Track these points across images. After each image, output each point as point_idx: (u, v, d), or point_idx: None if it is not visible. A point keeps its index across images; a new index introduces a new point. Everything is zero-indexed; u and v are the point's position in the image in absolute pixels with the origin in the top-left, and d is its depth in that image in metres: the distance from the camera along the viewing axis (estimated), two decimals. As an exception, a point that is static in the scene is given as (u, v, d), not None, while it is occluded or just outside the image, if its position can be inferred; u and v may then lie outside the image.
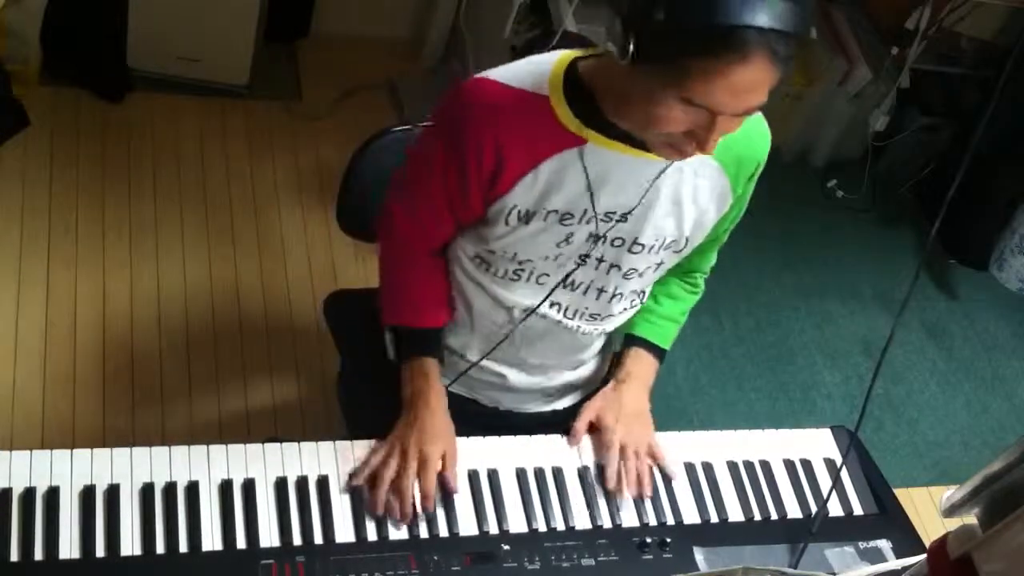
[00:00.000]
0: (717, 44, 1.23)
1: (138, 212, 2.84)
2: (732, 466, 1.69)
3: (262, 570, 1.39)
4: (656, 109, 1.32)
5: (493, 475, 1.58)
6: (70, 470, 1.42)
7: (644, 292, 1.71)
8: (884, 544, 1.64)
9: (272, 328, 2.70)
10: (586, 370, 1.82)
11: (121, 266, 2.72)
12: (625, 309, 1.69)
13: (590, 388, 1.82)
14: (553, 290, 1.61)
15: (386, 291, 1.69)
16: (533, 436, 1.65)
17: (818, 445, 1.77)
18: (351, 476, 1.52)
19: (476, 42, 3.24)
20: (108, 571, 1.36)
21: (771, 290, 3.30)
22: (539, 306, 1.62)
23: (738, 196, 1.61)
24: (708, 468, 1.68)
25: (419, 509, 1.51)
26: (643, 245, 1.57)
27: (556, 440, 1.65)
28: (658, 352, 1.75)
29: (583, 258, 1.57)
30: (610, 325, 1.70)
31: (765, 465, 1.71)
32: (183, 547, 1.39)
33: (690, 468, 1.67)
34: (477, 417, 1.78)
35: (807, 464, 1.73)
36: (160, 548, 1.39)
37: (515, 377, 1.75)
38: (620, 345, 1.77)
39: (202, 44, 3.05)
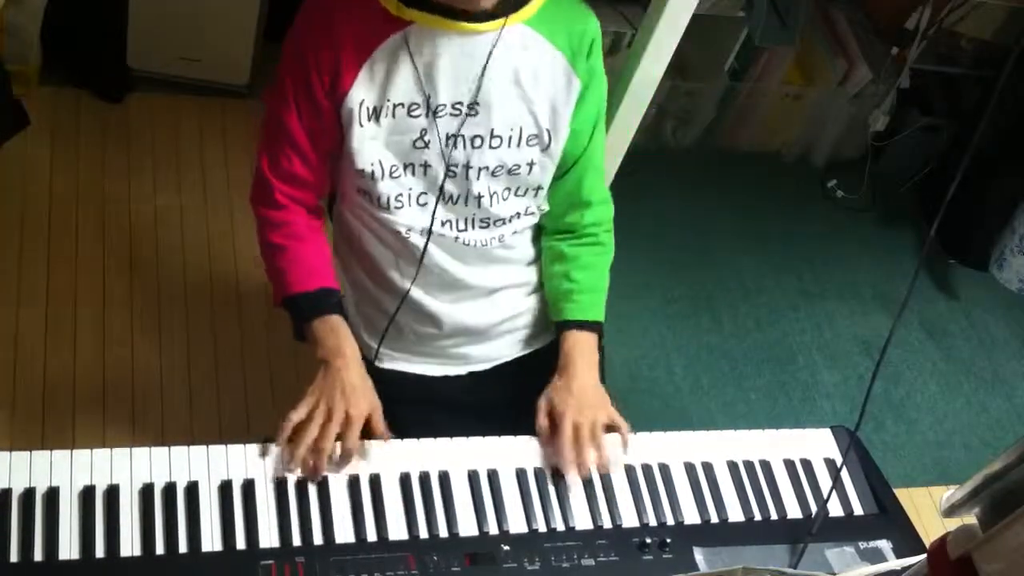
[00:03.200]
0: None
1: (138, 212, 2.85)
2: (732, 466, 1.69)
3: (262, 570, 1.39)
4: None
5: (493, 475, 1.58)
6: (70, 470, 1.42)
7: (539, 206, 1.71)
8: (884, 544, 1.64)
9: (272, 327, 2.70)
10: (536, 299, 1.81)
11: (121, 265, 2.72)
12: (518, 213, 1.69)
13: (542, 339, 1.84)
14: (436, 205, 1.63)
15: (275, 266, 1.68)
16: (533, 436, 1.65)
17: (818, 445, 1.77)
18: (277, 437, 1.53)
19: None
20: (108, 572, 1.36)
21: (771, 290, 3.30)
22: (431, 228, 1.64)
23: (585, 82, 1.63)
24: (708, 468, 1.68)
25: (335, 468, 1.52)
26: (500, 137, 1.59)
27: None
28: (591, 326, 1.73)
29: (450, 171, 1.60)
30: (507, 230, 1.70)
31: (765, 465, 1.71)
32: (183, 547, 1.39)
33: (690, 468, 1.67)
34: (454, 395, 1.80)
35: (807, 464, 1.73)
36: (160, 549, 1.39)
37: (457, 311, 1.74)
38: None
39: (202, 44, 3.06)
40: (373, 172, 1.59)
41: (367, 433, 1.58)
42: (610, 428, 1.66)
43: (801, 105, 3.58)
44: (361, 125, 1.56)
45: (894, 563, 1.53)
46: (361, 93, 1.54)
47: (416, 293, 1.72)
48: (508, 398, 1.80)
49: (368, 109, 1.55)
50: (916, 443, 3.03)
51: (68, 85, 3.05)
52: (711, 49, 3.35)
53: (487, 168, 1.62)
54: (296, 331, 1.68)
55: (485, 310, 1.78)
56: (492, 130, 1.59)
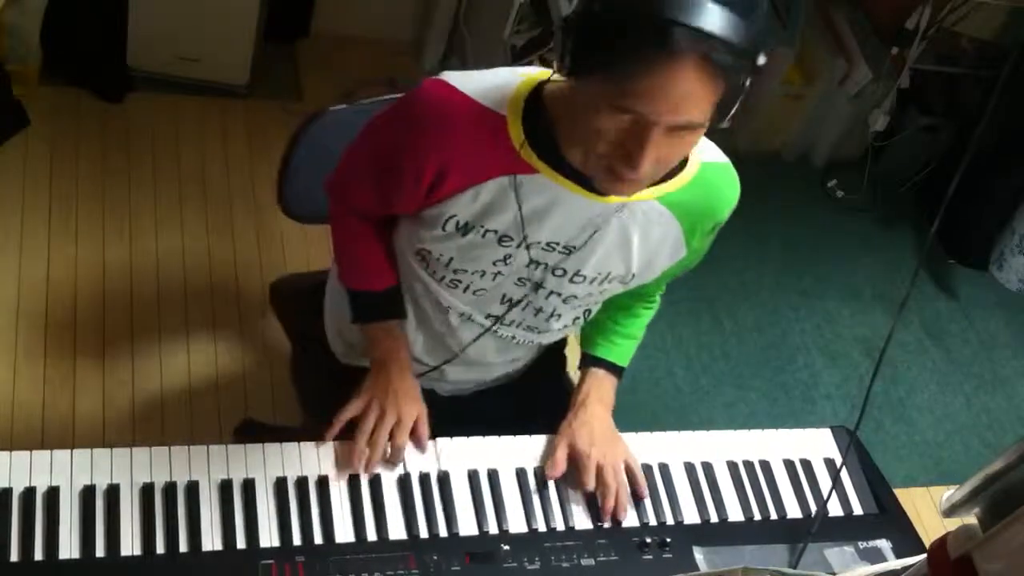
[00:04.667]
0: (646, 40, 1.20)
1: (138, 212, 2.85)
2: (732, 466, 1.69)
3: (262, 570, 1.39)
4: (592, 120, 1.28)
5: (493, 475, 1.58)
6: (70, 470, 1.42)
7: (588, 312, 1.70)
8: (884, 544, 1.64)
9: (271, 327, 2.70)
10: (522, 363, 1.82)
11: (121, 265, 2.72)
12: (566, 326, 1.68)
13: (522, 369, 1.83)
14: (502, 318, 1.61)
15: (339, 258, 1.71)
16: (533, 436, 1.65)
17: (818, 445, 1.77)
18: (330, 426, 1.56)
19: (476, 42, 3.24)
20: (108, 571, 1.36)
21: (771, 290, 3.30)
22: (487, 331, 1.63)
23: (693, 248, 1.59)
24: (708, 468, 1.68)
25: (385, 462, 1.55)
26: (584, 276, 1.55)
27: (550, 441, 1.65)
28: (616, 370, 1.74)
29: (521, 281, 1.56)
30: (546, 339, 1.70)
31: (765, 465, 1.71)
32: (183, 547, 1.40)
33: (690, 468, 1.67)
34: (457, 407, 1.80)
35: (807, 464, 1.73)
36: (160, 548, 1.39)
37: (453, 373, 1.76)
38: (580, 361, 1.77)
39: (202, 44, 3.05)
40: (439, 258, 1.55)
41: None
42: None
43: (801, 105, 3.58)
44: (444, 230, 1.49)
45: (894, 563, 1.53)
46: (456, 209, 1.46)
47: (428, 360, 1.73)
48: (512, 406, 1.82)
49: (459, 222, 1.48)
50: (916, 443, 3.03)
51: (68, 85, 3.05)
52: (711, 49, 3.34)
53: (559, 295, 1.58)
54: (353, 317, 1.67)
55: (474, 375, 1.79)
56: (580, 270, 1.54)
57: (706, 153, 1.51)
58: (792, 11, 3.36)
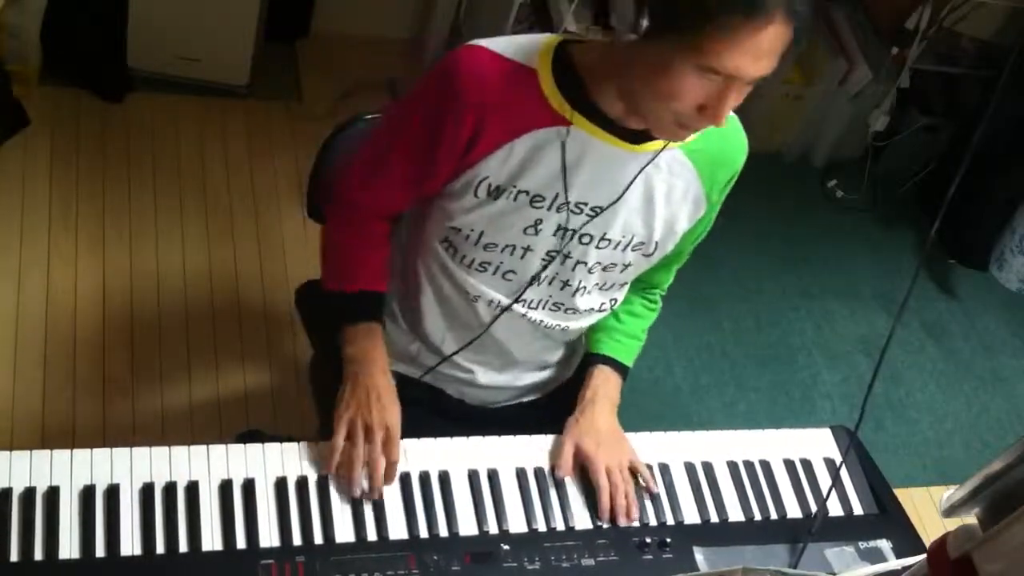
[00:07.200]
0: (736, 4, 1.22)
1: (138, 212, 2.85)
2: (732, 466, 1.69)
3: (262, 570, 1.39)
4: (671, 82, 1.30)
5: (493, 475, 1.58)
6: (70, 470, 1.42)
7: (615, 300, 1.70)
8: (884, 544, 1.64)
9: (272, 328, 2.70)
10: (551, 371, 1.82)
11: (121, 266, 2.72)
12: (592, 309, 1.68)
13: (553, 386, 1.83)
14: (524, 290, 1.60)
15: (332, 256, 1.68)
16: (533, 436, 1.65)
17: (818, 445, 1.77)
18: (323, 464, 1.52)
19: (476, 42, 3.24)
20: (108, 571, 1.36)
21: (771, 290, 3.30)
22: (510, 306, 1.62)
23: (711, 205, 1.60)
24: (708, 468, 1.68)
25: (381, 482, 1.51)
26: (610, 240, 1.56)
27: (556, 440, 1.65)
28: (622, 369, 1.74)
29: (549, 255, 1.56)
30: (575, 323, 1.69)
31: (765, 465, 1.71)
32: (183, 547, 1.39)
33: (690, 468, 1.67)
34: (443, 408, 1.79)
35: (807, 464, 1.73)
36: (160, 548, 1.39)
37: (483, 376, 1.75)
38: (584, 360, 1.76)
39: (202, 44, 3.06)
40: (468, 236, 1.55)
41: None
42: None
43: (801, 105, 3.58)
44: (476, 196, 1.50)
45: (894, 563, 1.53)
46: (490, 169, 1.48)
47: (458, 356, 1.72)
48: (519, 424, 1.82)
49: (490, 186, 1.49)
50: (916, 443, 3.03)
51: (68, 85, 3.05)
52: (711, 49, 3.35)
53: (585, 263, 1.58)
54: (339, 320, 1.65)
55: (522, 375, 1.79)
56: (605, 233, 1.55)
57: None
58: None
